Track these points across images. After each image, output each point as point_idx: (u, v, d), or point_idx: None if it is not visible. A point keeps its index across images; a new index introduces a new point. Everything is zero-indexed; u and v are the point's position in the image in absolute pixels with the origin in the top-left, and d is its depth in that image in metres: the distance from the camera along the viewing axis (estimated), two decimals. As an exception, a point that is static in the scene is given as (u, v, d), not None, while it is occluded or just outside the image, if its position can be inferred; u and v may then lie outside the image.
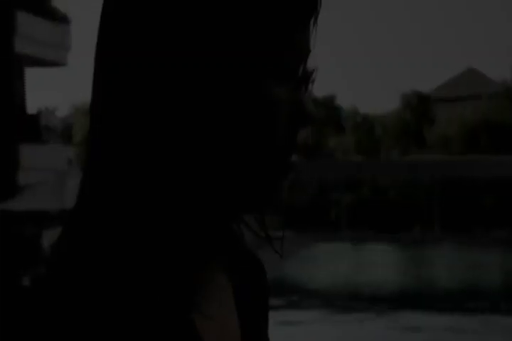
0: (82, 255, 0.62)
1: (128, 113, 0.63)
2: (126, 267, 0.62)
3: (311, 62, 0.66)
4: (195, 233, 0.65)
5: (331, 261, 21.78)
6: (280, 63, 0.64)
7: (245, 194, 0.65)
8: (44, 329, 0.59)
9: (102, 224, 0.63)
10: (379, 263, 21.39)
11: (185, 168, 0.63)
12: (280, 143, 0.65)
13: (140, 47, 0.63)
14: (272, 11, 0.63)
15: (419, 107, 36.45)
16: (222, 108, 0.63)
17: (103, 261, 0.62)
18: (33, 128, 17.12)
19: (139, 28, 0.63)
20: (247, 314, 0.73)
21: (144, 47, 0.63)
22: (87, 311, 0.59)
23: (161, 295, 0.62)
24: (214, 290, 0.69)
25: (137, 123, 0.63)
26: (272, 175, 0.65)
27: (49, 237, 12.74)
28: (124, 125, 0.63)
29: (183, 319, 0.64)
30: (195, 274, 0.66)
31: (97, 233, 0.63)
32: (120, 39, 0.64)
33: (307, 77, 0.67)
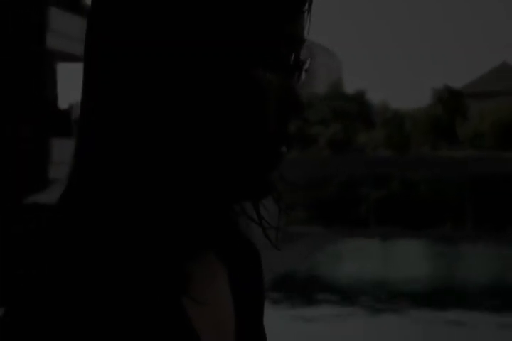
0: (70, 242, 0.62)
1: (117, 100, 0.63)
2: (116, 254, 0.62)
3: (305, 51, 0.66)
4: (186, 220, 0.65)
5: (358, 257, 21.68)
6: (271, 51, 0.64)
7: (236, 182, 0.64)
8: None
9: (91, 212, 0.63)
10: (408, 259, 21.24)
11: (176, 155, 0.63)
12: (271, 130, 0.64)
13: (128, 34, 0.63)
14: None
15: (451, 102, 36.10)
16: (213, 95, 0.63)
17: (91, 250, 0.61)
18: (64, 123, 17.28)
19: (128, 16, 0.63)
20: (243, 301, 0.73)
21: (132, 33, 0.63)
22: (73, 301, 0.59)
23: (151, 281, 0.62)
24: (208, 277, 0.69)
25: (126, 111, 0.63)
26: (263, 163, 0.65)
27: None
28: (113, 111, 0.63)
29: (173, 304, 0.63)
30: (186, 261, 0.66)
31: (87, 220, 0.63)
32: (109, 27, 0.64)
33: (300, 66, 0.66)
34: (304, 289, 15.13)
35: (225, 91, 0.62)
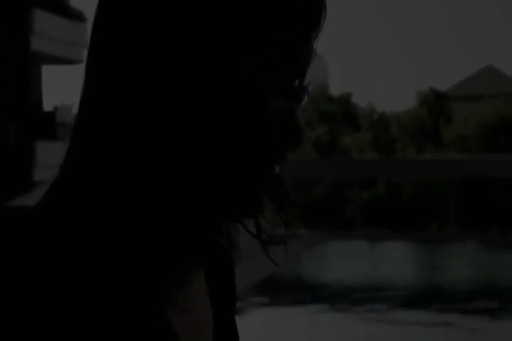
0: (53, 244, 0.61)
1: (118, 103, 0.63)
2: (99, 257, 0.62)
3: (308, 76, 0.66)
4: (174, 227, 0.65)
5: (344, 259, 21.73)
6: (279, 78, 0.63)
7: (226, 201, 0.64)
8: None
9: (77, 214, 0.63)
10: (394, 261, 21.31)
11: (171, 164, 0.63)
12: (269, 154, 0.64)
13: (135, 37, 0.62)
14: (275, 26, 0.63)
15: (436, 105, 36.28)
16: (215, 115, 0.62)
17: (74, 252, 0.61)
18: (49, 125, 17.20)
19: (140, 28, 0.62)
20: (218, 300, 0.73)
21: (140, 36, 0.62)
22: (54, 301, 0.59)
23: (133, 286, 0.62)
24: (189, 279, 0.69)
25: (125, 115, 0.63)
26: (256, 185, 0.65)
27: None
28: (112, 114, 0.63)
29: (154, 308, 0.63)
30: (169, 267, 0.65)
31: (71, 222, 0.63)
32: (117, 31, 0.63)
33: (303, 90, 0.66)
34: (289, 291, 15.13)
35: (227, 111, 0.62)
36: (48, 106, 18.50)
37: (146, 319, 0.62)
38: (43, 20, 17.24)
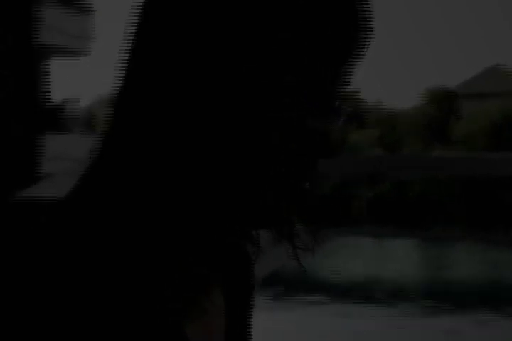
0: (71, 240, 0.61)
1: (152, 103, 0.63)
2: (114, 257, 0.61)
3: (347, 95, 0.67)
4: (191, 232, 0.64)
5: (350, 256, 21.70)
6: (321, 99, 0.64)
7: (249, 209, 0.64)
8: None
9: (96, 213, 0.63)
10: (399, 258, 21.27)
11: (198, 172, 0.62)
12: (298, 170, 0.64)
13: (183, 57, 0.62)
14: (318, 49, 0.62)
15: (444, 103, 36.18)
16: (248, 130, 0.62)
17: (91, 249, 0.61)
18: (57, 118, 17.22)
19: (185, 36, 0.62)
20: (234, 308, 0.72)
21: (184, 37, 0.62)
22: (66, 301, 0.58)
23: (149, 293, 0.62)
24: (206, 286, 0.68)
25: (155, 123, 0.63)
26: (279, 195, 0.64)
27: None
28: (146, 115, 0.63)
29: (167, 315, 0.63)
30: (190, 275, 0.65)
31: (90, 220, 0.62)
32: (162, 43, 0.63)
33: (342, 111, 0.66)
34: (294, 287, 15.12)
35: (264, 128, 0.62)
36: (55, 98, 18.53)
37: (160, 329, 0.62)
38: (50, 13, 17.24)
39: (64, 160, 16.08)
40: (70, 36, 18.14)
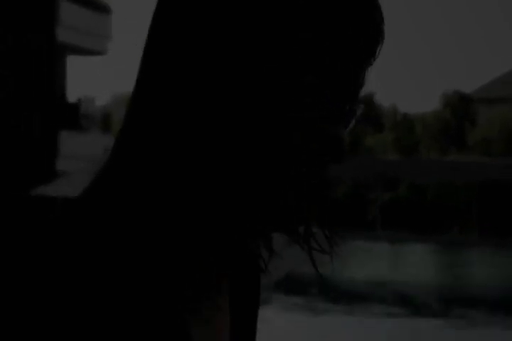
0: (85, 238, 0.60)
1: (170, 103, 0.62)
2: (126, 257, 0.60)
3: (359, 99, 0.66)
4: (207, 234, 0.63)
5: (364, 260, 21.65)
6: (341, 100, 0.64)
7: (262, 212, 0.63)
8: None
9: (112, 211, 0.62)
10: (415, 263, 21.21)
11: (215, 175, 0.61)
12: (311, 177, 0.64)
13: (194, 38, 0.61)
14: (334, 53, 0.62)
15: (460, 107, 36.09)
16: (262, 134, 0.61)
17: (104, 248, 0.60)
18: (73, 117, 17.27)
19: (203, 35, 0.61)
20: (239, 309, 0.72)
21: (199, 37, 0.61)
22: (75, 302, 0.58)
23: (158, 295, 0.61)
24: (212, 289, 0.67)
25: (176, 116, 0.61)
26: (295, 199, 0.63)
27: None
28: (165, 112, 0.62)
29: (174, 316, 0.62)
30: (201, 278, 0.64)
31: (106, 218, 0.61)
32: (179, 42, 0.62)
33: (353, 115, 0.66)
34: (308, 291, 15.07)
35: (278, 131, 0.61)
36: (71, 97, 18.56)
37: (166, 330, 0.61)
38: (68, 12, 17.29)
39: (79, 158, 16.10)
40: (87, 35, 18.17)
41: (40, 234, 0.60)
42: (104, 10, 19.35)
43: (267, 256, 0.68)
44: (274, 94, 0.60)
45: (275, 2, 0.60)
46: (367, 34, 0.62)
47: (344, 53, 0.62)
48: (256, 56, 0.60)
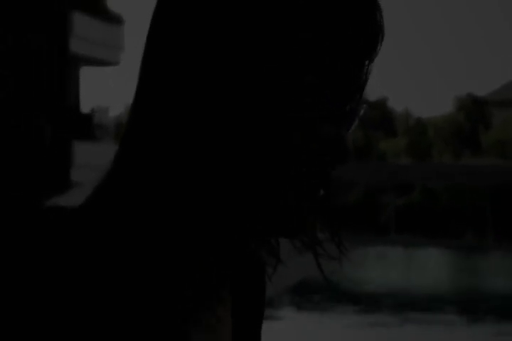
0: (87, 245, 0.61)
1: (170, 110, 0.62)
2: (128, 262, 0.61)
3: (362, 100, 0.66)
4: (209, 239, 0.64)
5: (378, 265, 21.54)
6: (341, 100, 0.63)
7: (265, 218, 0.63)
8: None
9: (115, 218, 0.62)
10: (430, 268, 21.07)
11: (218, 180, 0.61)
12: (312, 177, 0.63)
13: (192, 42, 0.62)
14: (331, 52, 0.62)
15: (474, 111, 35.87)
16: (263, 136, 0.61)
17: (107, 252, 0.61)
18: (86, 127, 17.36)
19: (198, 39, 0.61)
20: (242, 316, 0.71)
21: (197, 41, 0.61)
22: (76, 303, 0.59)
23: (159, 303, 0.61)
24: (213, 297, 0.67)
25: (176, 123, 0.62)
26: (298, 203, 0.63)
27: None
28: (165, 120, 0.62)
29: (175, 323, 0.63)
30: (205, 286, 0.64)
31: (109, 225, 0.62)
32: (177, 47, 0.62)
33: (355, 115, 0.65)
34: (323, 296, 15.05)
35: (278, 133, 0.61)
36: (85, 107, 18.69)
37: (166, 330, 0.61)
38: (81, 23, 17.43)
39: (93, 169, 16.19)
40: (100, 46, 18.32)
41: (43, 239, 0.60)
42: (117, 21, 19.48)
43: (273, 264, 0.67)
44: (274, 94, 0.60)
45: (275, 2, 0.60)
46: (367, 34, 0.62)
47: (344, 53, 0.62)
48: (256, 56, 0.60)
